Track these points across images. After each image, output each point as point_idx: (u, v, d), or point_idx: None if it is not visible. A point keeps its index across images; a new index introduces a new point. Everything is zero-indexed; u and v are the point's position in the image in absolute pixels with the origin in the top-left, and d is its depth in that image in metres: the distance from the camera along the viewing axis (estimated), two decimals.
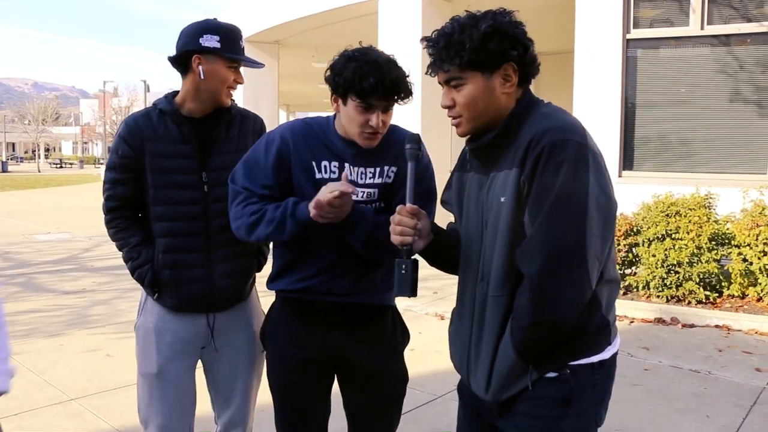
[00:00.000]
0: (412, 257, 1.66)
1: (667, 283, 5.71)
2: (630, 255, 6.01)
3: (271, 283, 2.07)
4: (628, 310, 5.73)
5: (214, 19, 2.17)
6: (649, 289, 5.83)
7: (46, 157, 72.02)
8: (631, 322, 5.59)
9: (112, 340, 5.02)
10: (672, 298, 5.75)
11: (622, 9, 6.87)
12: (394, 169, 1.99)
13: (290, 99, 26.73)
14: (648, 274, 5.80)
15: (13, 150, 78.91)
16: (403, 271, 1.64)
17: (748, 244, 5.48)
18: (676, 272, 5.67)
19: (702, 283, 5.65)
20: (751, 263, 5.49)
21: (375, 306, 2.05)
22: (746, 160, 6.55)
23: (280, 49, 13.77)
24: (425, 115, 8.42)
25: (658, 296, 5.79)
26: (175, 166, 2.15)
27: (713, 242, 5.64)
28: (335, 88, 1.89)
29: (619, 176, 6.99)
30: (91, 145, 79.83)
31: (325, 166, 1.94)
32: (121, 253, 2.24)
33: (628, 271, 6.12)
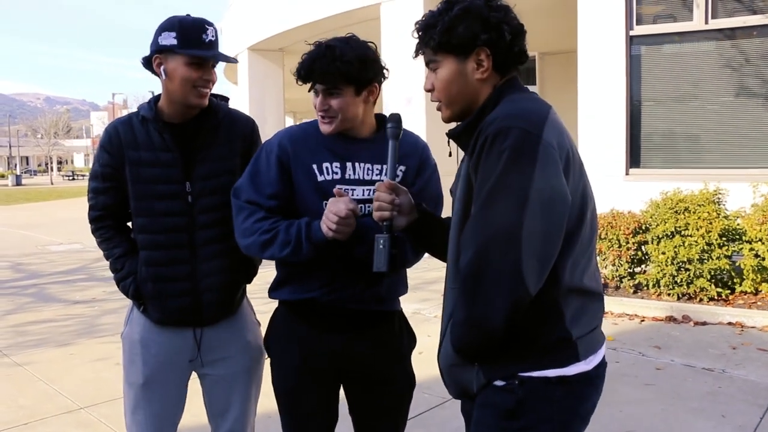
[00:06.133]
0: (392, 233, 1.69)
1: (678, 281, 5.65)
2: (639, 253, 5.96)
3: (273, 291, 2.05)
4: (638, 308, 5.68)
5: (186, 15, 2.00)
6: (659, 287, 5.78)
7: (59, 169, 72.70)
8: (642, 320, 5.53)
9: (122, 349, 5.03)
10: (683, 295, 5.69)
11: (624, 6, 6.83)
12: (402, 168, 1.96)
13: (297, 106, 26.81)
14: (658, 272, 5.75)
15: (27, 163, 79.81)
16: (381, 246, 1.67)
17: (760, 239, 5.41)
18: (687, 269, 5.61)
19: (713, 280, 5.58)
20: (763, 259, 5.41)
21: (380, 312, 2.03)
22: (755, 155, 6.48)
23: (284, 57, 13.82)
24: (430, 118, 8.43)
25: (669, 294, 5.73)
26: (156, 176, 2.03)
27: (724, 238, 5.57)
28: None
29: (627, 174, 6.95)
30: None
31: (327, 168, 1.93)
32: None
33: (637, 269, 6.07)
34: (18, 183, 45.05)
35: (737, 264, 5.59)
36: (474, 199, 1.40)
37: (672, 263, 5.64)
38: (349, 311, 1.96)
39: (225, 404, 2.19)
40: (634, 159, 7.00)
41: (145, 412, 2.14)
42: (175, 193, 2.03)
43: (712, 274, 5.55)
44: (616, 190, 6.66)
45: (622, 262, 5.96)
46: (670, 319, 5.49)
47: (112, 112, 62.55)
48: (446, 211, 1.83)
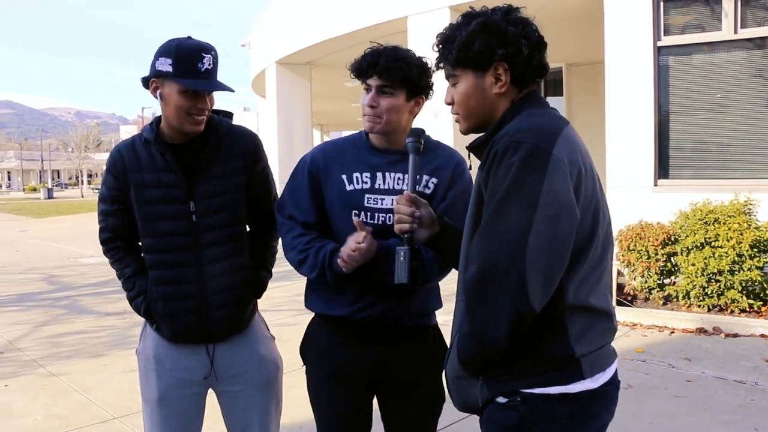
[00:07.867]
0: (413, 246, 1.71)
1: (708, 292, 5.58)
2: (668, 264, 5.90)
3: (307, 302, 2.10)
4: (668, 320, 5.62)
5: (187, 37, 1.97)
6: (689, 298, 5.71)
7: (89, 182, 74.14)
8: (672, 332, 5.47)
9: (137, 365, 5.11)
10: (713, 307, 5.62)
11: (651, 16, 6.80)
12: (434, 180, 1.97)
13: (324, 119, 27.02)
14: (688, 284, 5.68)
15: (58, 177, 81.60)
16: (401, 258, 1.68)
17: None
18: (717, 281, 5.54)
19: (744, 292, 5.50)
20: None
21: (413, 326, 2.04)
22: None
23: (312, 70, 13.98)
24: (457, 131, 8.45)
25: (699, 306, 5.66)
26: (159, 197, 2.04)
27: (755, 249, 5.50)
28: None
29: (655, 185, 6.88)
30: None
31: (357, 177, 1.96)
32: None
33: (667, 280, 6.01)
34: (49, 196, 46.04)
35: None
36: (483, 212, 1.40)
37: (702, 274, 5.57)
38: (382, 326, 1.99)
39: (245, 421, 2.18)
40: (662, 170, 6.93)
41: (162, 428, 2.14)
42: (179, 213, 2.04)
43: (744, 285, 5.47)
44: (645, 202, 6.61)
45: (651, 274, 5.91)
46: (701, 330, 5.42)
47: (141, 126, 63.52)
48: None
